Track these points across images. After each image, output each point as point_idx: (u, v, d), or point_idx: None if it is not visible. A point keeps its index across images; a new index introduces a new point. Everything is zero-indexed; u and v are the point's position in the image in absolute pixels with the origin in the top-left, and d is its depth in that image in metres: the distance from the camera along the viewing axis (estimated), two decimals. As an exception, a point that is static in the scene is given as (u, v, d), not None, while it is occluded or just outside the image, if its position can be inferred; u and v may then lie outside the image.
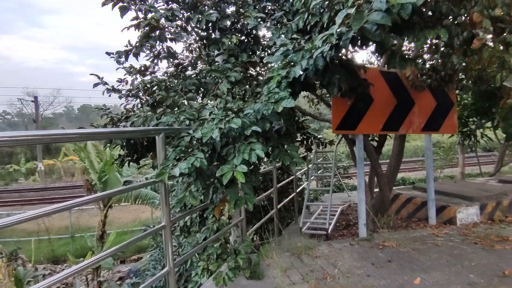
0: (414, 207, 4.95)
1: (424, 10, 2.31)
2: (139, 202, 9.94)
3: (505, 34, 2.81)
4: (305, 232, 4.76)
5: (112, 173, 8.44)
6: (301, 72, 2.24)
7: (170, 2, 3.26)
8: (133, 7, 2.87)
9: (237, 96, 3.04)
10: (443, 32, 1.80)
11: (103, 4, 2.62)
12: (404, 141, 4.82)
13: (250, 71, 3.92)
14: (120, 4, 2.71)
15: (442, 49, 3.76)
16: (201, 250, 2.86)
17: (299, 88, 2.65)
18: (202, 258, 3.07)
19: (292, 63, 2.29)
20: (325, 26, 2.36)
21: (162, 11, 3.00)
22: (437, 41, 3.39)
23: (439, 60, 3.75)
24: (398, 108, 4.03)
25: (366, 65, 3.82)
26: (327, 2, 2.30)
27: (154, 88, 2.96)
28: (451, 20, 2.69)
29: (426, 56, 4.37)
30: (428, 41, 2.36)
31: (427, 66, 4.14)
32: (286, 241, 3.68)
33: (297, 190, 5.93)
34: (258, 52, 3.66)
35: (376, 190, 4.94)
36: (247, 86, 3.27)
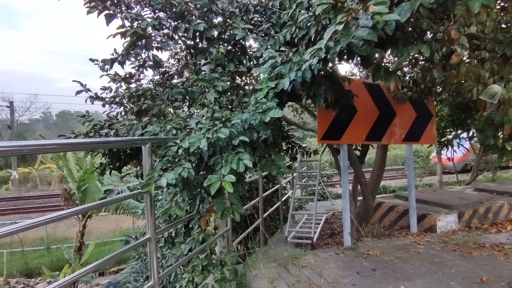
0: (396, 216, 5.06)
1: (406, 26, 2.41)
2: (120, 212, 9.66)
3: (480, 51, 2.96)
4: (291, 241, 4.77)
5: (92, 182, 8.17)
6: (289, 84, 2.27)
7: (157, 11, 3.25)
8: (119, 15, 2.84)
9: (224, 106, 3.04)
10: (425, 48, 1.88)
11: (88, 12, 2.58)
12: (386, 151, 4.95)
13: (237, 81, 3.94)
14: (106, 12, 2.67)
15: (422, 63, 3.92)
16: (186, 261, 2.80)
17: (286, 99, 2.68)
18: (187, 270, 3.00)
19: (281, 75, 2.32)
20: (312, 39, 2.41)
21: (149, 20, 2.98)
22: (417, 55, 3.54)
23: (419, 74, 3.91)
24: (381, 119, 4.15)
25: (350, 77, 3.93)
26: (314, 17, 2.36)
27: (140, 96, 2.91)
28: (431, 36, 2.82)
29: (406, 69, 4.54)
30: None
31: (407, 78, 4.30)
32: (272, 250, 3.67)
33: (282, 199, 5.94)
34: (245, 62, 3.68)
35: (359, 198, 5.02)
36: (234, 96, 3.28)
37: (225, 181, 2.17)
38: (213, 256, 3.16)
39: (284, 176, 5.95)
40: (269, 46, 2.91)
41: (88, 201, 8.27)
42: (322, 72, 2.91)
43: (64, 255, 8.03)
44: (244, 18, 3.61)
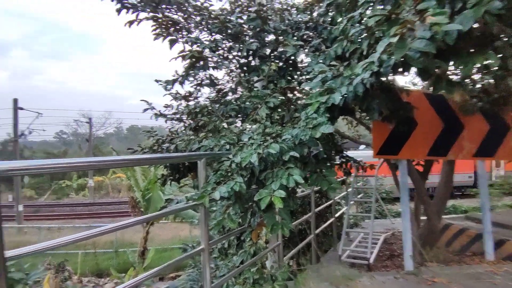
0: (467, 240, 4.53)
1: (471, 33, 2.22)
2: (179, 221, 10.22)
3: None
4: (345, 261, 4.55)
5: (155, 192, 8.85)
6: (340, 98, 2.24)
7: (213, 34, 3.48)
8: (180, 40, 3.11)
9: (276, 121, 3.10)
10: (493, 56, 1.71)
11: (155, 39, 2.88)
12: (453, 167, 4.51)
13: (288, 96, 3.99)
14: (170, 38, 2.95)
15: (495, 69, 3.54)
16: (237, 273, 2.86)
17: (338, 113, 2.64)
18: (238, 282, 3.06)
19: (331, 90, 2.31)
20: (364, 53, 2.36)
21: (206, 42, 3.21)
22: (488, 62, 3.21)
23: (491, 82, 3.52)
24: (446, 132, 3.81)
25: (408, 88, 3.71)
26: (366, 30, 2.31)
27: (197, 113, 3.12)
28: (505, 40, 2.55)
29: (476, 77, 4.13)
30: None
31: (478, 87, 3.90)
32: (324, 269, 3.55)
33: (336, 215, 5.73)
34: (296, 77, 3.72)
35: (423, 218, 4.62)
36: (286, 111, 3.33)
37: (275, 196, 2.20)
38: (264, 270, 3.17)
39: (337, 191, 5.75)
40: (320, 61, 2.91)
41: (151, 209, 8.94)
42: (376, 85, 2.81)
43: (129, 258, 8.73)
44: (295, 34, 3.67)
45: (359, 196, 7.70)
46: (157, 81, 3.92)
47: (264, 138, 2.54)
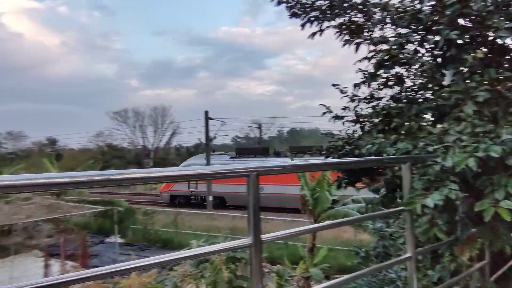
0: None
1: None
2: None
3: None
4: None
5: (323, 192, 9.17)
6: None
7: (399, 29, 3.28)
8: (365, 41, 3.10)
9: (486, 119, 2.61)
10: None
11: (344, 45, 3.00)
12: None
13: (497, 88, 3.28)
14: (357, 40, 3.00)
15: None
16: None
17: None
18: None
19: None
20: None
21: (393, 39, 3.07)
22: None
23: None
24: None
25: None
26: None
27: (386, 114, 3.02)
28: None
29: None
30: None
31: None
32: None
33: None
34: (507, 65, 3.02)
35: None
36: (497, 107, 2.75)
37: (501, 208, 1.88)
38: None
39: None
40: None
41: (318, 208, 9.34)
42: None
43: (300, 252, 9.41)
44: (503, 14, 2.98)
45: None
46: (334, 85, 4.07)
47: (476, 139, 2.20)
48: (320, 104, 4.33)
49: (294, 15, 3.76)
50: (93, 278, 1.12)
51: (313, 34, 3.78)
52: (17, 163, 30.25)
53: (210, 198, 24.22)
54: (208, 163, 25.63)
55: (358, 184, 4.19)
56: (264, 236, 1.37)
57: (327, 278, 12.01)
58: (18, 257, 12.41)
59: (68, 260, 11.50)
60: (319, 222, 9.54)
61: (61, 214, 14.21)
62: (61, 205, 14.47)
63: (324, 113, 4.36)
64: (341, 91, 4.05)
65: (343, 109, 4.37)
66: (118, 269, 1.11)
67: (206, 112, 30.89)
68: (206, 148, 29.29)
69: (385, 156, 2.52)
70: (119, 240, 14.83)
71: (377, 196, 3.95)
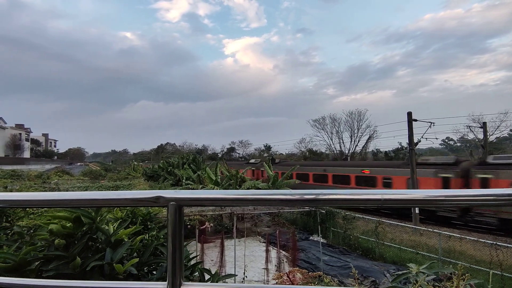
0: None
1: None
2: None
3: None
4: None
5: None
6: None
7: None
8: None
9: None
10: None
11: None
12: None
13: None
14: None
15: None
16: None
17: None
18: None
19: None
20: None
21: None
22: None
23: None
24: None
25: None
26: None
27: None
28: None
29: None
30: None
31: None
32: None
33: None
34: None
35: None
36: None
37: None
38: None
39: None
40: None
41: None
42: None
43: None
44: None
45: None
46: None
47: None
48: None
49: None
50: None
51: None
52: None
53: (417, 210, 21.36)
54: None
55: None
56: None
57: None
58: (248, 239, 15.58)
59: (282, 249, 13.22)
60: None
61: (275, 210, 16.72)
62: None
63: None
64: None
65: None
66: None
67: (410, 114, 27.65)
68: (411, 153, 26.16)
69: None
70: (322, 240, 15.63)
71: None
